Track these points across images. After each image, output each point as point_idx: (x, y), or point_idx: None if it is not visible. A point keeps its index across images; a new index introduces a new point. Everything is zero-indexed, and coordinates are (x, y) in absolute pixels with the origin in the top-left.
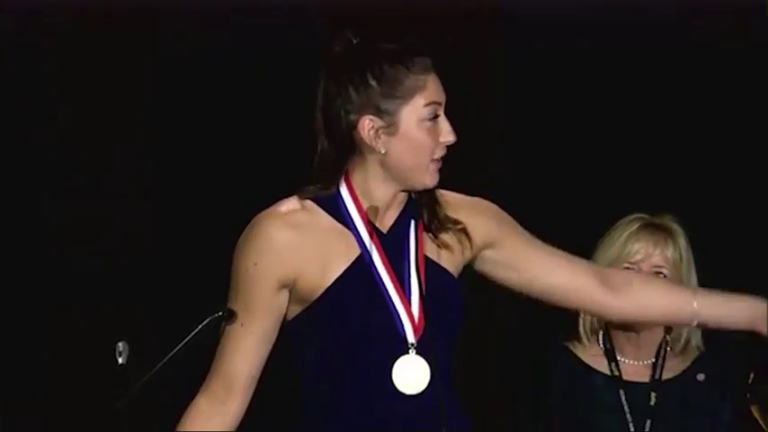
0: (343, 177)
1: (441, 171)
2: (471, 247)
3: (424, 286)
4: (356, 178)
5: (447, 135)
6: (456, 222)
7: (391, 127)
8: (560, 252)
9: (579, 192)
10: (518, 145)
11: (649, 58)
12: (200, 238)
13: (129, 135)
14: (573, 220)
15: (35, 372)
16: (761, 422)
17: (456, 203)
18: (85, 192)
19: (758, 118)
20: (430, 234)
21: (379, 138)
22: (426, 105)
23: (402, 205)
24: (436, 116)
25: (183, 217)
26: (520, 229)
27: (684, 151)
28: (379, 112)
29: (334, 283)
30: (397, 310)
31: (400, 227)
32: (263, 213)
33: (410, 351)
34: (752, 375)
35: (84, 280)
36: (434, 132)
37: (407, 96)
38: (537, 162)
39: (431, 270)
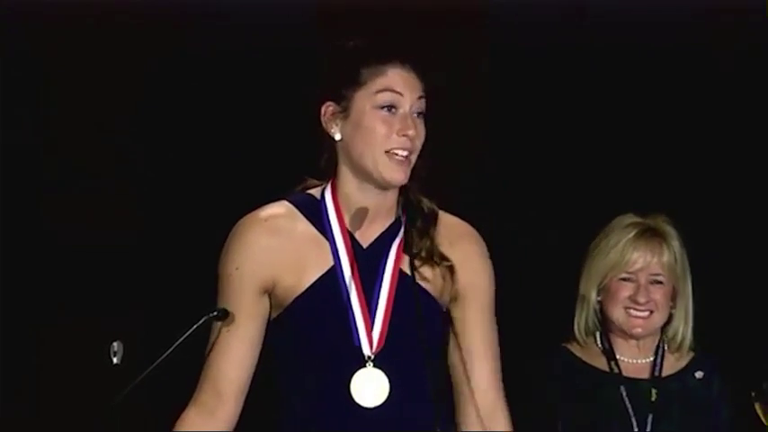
0: (330, 183)
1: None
2: (452, 284)
3: (392, 302)
4: (338, 182)
5: (405, 129)
6: (444, 258)
7: (345, 111)
8: (489, 356)
9: (571, 191)
10: (506, 145)
11: (648, 57)
12: (195, 239)
13: (125, 137)
14: (566, 220)
15: (30, 372)
16: (763, 420)
17: (454, 235)
18: (84, 192)
19: (757, 118)
20: (412, 256)
21: (335, 123)
22: (380, 92)
23: (391, 219)
24: (393, 107)
25: (179, 217)
26: (488, 301)
27: (682, 152)
28: (337, 98)
29: (304, 292)
30: (356, 324)
31: (382, 242)
32: (244, 218)
33: (368, 364)
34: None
35: (80, 280)
36: (390, 123)
37: (362, 82)
38: (526, 162)
39: (405, 286)
